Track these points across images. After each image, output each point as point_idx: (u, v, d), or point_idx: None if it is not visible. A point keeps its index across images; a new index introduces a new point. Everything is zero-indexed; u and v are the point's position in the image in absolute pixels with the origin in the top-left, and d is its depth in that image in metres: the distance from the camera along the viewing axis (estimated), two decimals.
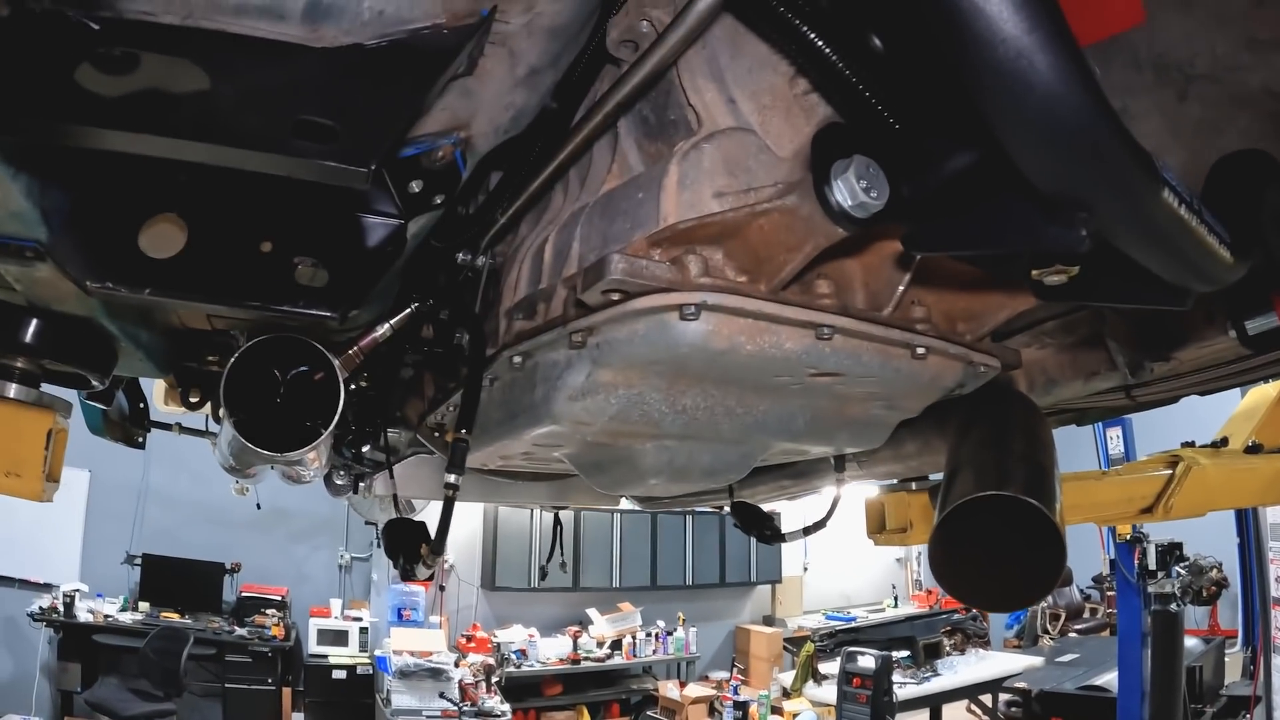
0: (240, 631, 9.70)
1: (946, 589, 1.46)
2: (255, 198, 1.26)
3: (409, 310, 1.63)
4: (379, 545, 10.95)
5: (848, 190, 0.96)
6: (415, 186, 1.24)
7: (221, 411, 1.38)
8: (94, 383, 1.76)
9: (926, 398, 1.54)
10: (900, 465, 2.32)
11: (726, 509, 3.03)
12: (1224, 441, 4.29)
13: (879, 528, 2.81)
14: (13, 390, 1.65)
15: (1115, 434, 8.26)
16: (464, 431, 1.44)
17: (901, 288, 1.29)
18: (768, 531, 2.57)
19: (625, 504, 12.45)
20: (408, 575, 1.77)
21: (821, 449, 1.75)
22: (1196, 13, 1.27)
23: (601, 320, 1.14)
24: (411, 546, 1.71)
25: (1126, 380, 2.06)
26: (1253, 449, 4.17)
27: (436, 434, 2.11)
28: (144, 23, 0.90)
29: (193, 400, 2.31)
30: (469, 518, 11.34)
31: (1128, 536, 7.24)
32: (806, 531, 2.50)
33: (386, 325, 1.60)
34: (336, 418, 1.43)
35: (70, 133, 0.92)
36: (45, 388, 1.77)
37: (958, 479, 1.49)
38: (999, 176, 0.88)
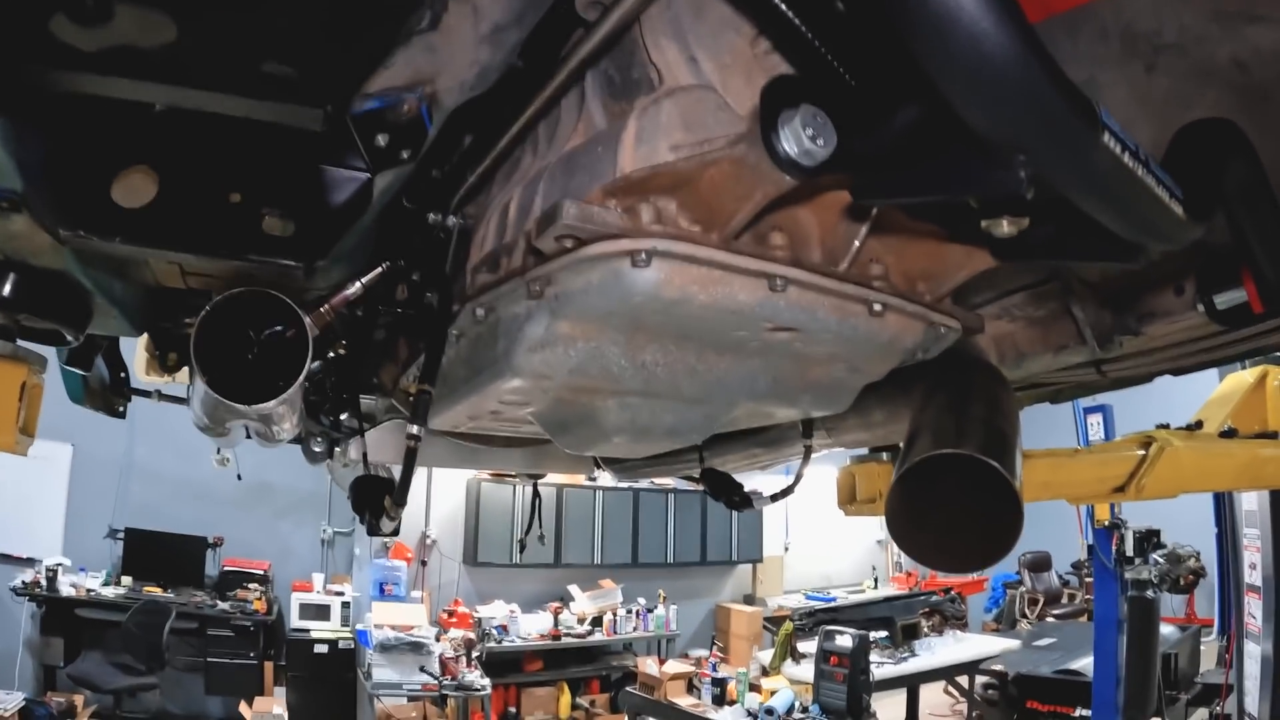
0: (223, 606, 9.69)
1: (904, 549, 1.49)
2: (225, 150, 1.28)
3: (380, 269, 1.66)
4: (362, 521, 10.96)
5: (794, 138, 0.98)
6: (381, 140, 1.26)
7: (192, 364, 1.40)
8: (69, 337, 1.78)
9: (888, 359, 1.57)
10: (868, 433, 2.35)
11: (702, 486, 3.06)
12: (1199, 425, 4.34)
13: (850, 498, 2.86)
14: None
15: (1096, 420, 8.29)
16: (427, 385, 1.46)
17: (858, 243, 1.31)
18: (736, 498, 2.62)
19: (606, 480, 12.44)
20: (373, 531, 1.79)
21: (786, 412, 1.78)
22: None
23: (556, 268, 1.17)
24: (376, 501, 1.73)
25: (1095, 354, 2.09)
26: (1227, 434, 4.22)
27: (410, 397, 2.14)
28: None
29: (170, 363, 2.32)
30: (451, 493, 11.39)
31: (1106, 522, 7.31)
32: (774, 498, 2.54)
33: (358, 284, 1.63)
34: (305, 370, 1.45)
35: (45, 76, 0.94)
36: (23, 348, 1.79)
37: (917, 441, 1.52)
38: (948, 130, 0.90)
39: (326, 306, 1.59)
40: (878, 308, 1.34)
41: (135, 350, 3.81)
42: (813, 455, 2.49)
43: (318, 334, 1.54)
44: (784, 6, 1.06)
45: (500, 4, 1.14)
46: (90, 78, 0.95)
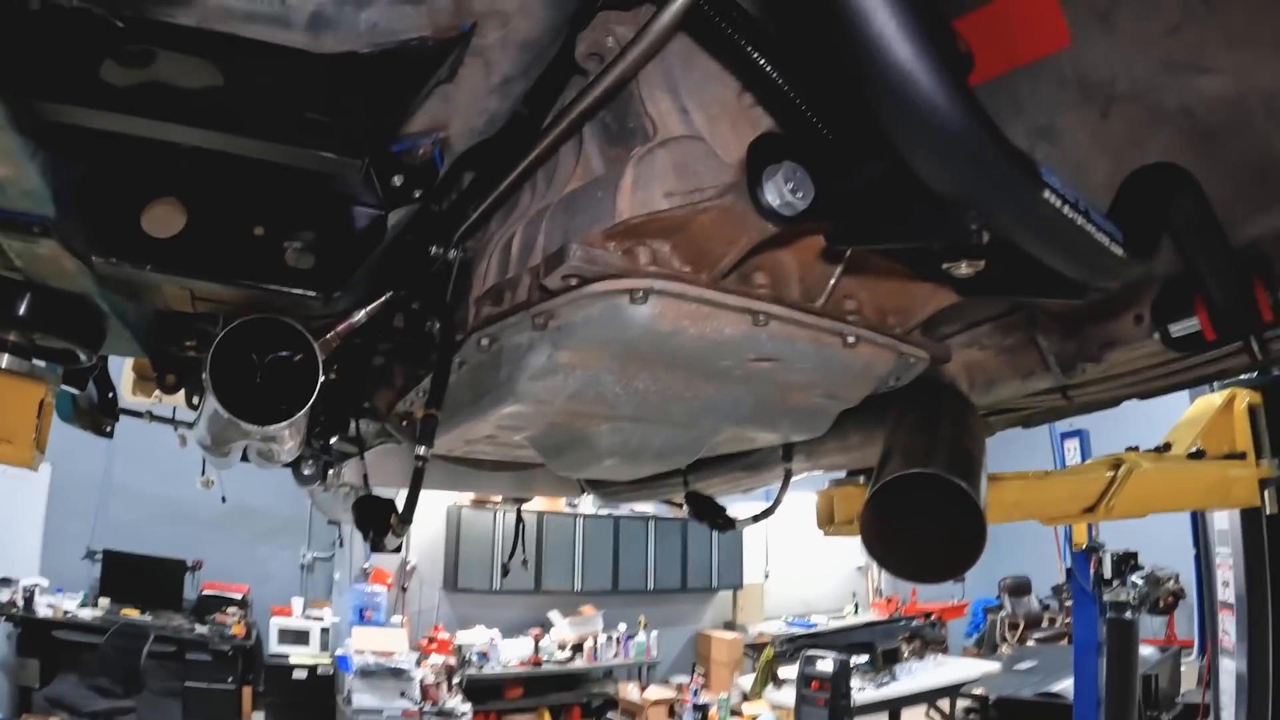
0: (201, 630, 9.64)
1: (878, 561, 1.60)
2: (250, 185, 1.37)
3: (384, 299, 1.75)
4: (341, 545, 10.98)
5: (776, 191, 1.10)
6: (397, 180, 1.36)
7: (205, 381, 1.49)
8: (82, 357, 1.85)
9: (862, 387, 1.67)
10: (845, 456, 2.45)
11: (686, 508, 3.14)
12: (1167, 447, 4.45)
13: (829, 520, 2.95)
14: (4, 361, 1.76)
15: (1073, 445, 8.43)
16: (434, 409, 1.56)
17: (833, 281, 1.43)
18: (719, 520, 2.71)
19: (587, 507, 12.35)
20: (377, 547, 1.86)
21: (767, 436, 1.88)
22: (1116, 36, 1.39)
23: (561, 303, 1.27)
24: (381, 519, 1.81)
25: (1060, 380, 2.19)
26: (1195, 455, 4.33)
27: (404, 423, 2.22)
28: (164, 23, 1.02)
29: (168, 384, 2.39)
30: (432, 519, 11.38)
31: (1084, 545, 7.39)
32: (755, 519, 2.63)
33: (362, 312, 1.72)
34: (315, 392, 1.53)
35: (97, 117, 1.04)
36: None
37: (889, 461, 1.63)
38: (911, 184, 1.02)
39: (333, 333, 1.68)
40: (851, 340, 1.45)
41: (123, 371, 3.88)
42: (792, 478, 2.59)
43: (324, 359, 1.63)
44: (767, 66, 1.17)
45: (510, 58, 1.25)
46: (143, 121, 1.04)
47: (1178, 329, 1.81)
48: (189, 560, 10.25)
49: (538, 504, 11.65)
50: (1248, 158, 1.53)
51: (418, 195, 1.40)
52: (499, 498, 11.09)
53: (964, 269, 1.11)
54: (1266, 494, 4.96)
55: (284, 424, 1.55)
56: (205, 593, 10.17)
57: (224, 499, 5.91)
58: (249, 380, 1.55)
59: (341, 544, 10.93)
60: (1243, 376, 5.95)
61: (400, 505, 1.79)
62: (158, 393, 4.24)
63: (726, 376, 1.51)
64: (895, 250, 1.34)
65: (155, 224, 1.34)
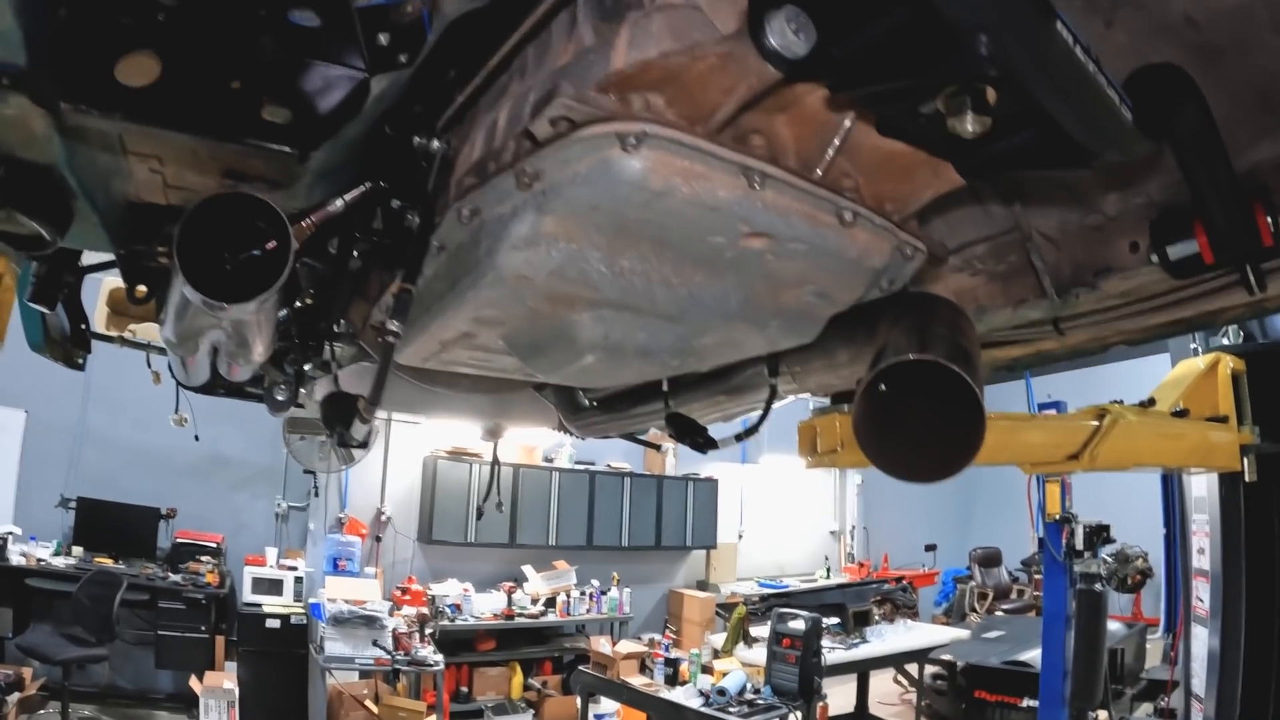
0: (174, 578, 9.57)
1: (872, 460, 1.55)
2: (229, 40, 1.32)
3: (362, 188, 1.69)
4: (316, 495, 10.94)
5: (779, 32, 1.07)
6: (383, 39, 1.31)
7: (173, 262, 1.42)
8: (46, 237, 1.78)
9: (855, 283, 1.63)
10: (833, 375, 2.41)
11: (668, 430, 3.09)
12: (1152, 403, 4.47)
13: (811, 449, 2.92)
14: None
15: (1053, 414, 8.53)
16: (409, 284, 1.51)
17: (830, 153, 1.38)
18: (700, 439, 2.67)
19: (563, 462, 12.33)
20: (345, 441, 1.81)
21: (754, 340, 1.84)
22: None
23: (548, 155, 1.22)
24: (348, 410, 1.76)
25: (1054, 308, 2.16)
26: (1179, 414, 4.36)
27: (380, 338, 2.17)
28: None
29: (139, 296, 2.33)
30: (407, 470, 11.40)
31: (1057, 515, 7.47)
32: (738, 438, 2.60)
33: (340, 200, 1.66)
34: (287, 271, 1.47)
35: None
36: None
37: (882, 357, 1.59)
38: (917, 34, 0.98)
39: (309, 220, 1.62)
40: (848, 216, 1.41)
41: (96, 306, 3.81)
42: (775, 404, 2.55)
43: (298, 247, 1.57)
44: None
45: None
46: None
47: (1175, 251, 1.78)
48: (163, 509, 10.16)
49: (514, 457, 11.65)
50: (1254, 78, 1.51)
51: (404, 60, 1.35)
52: (475, 449, 11.09)
53: (970, 125, 1.07)
54: (1247, 460, 5.01)
55: (252, 304, 1.49)
56: (179, 541, 10.10)
57: (196, 437, 5.85)
58: (220, 268, 1.49)
59: (317, 494, 10.90)
60: (1225, 341, 5.98)
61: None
62: (131, 328, 4.18)
63: (716, 261, 1.47)
64: (898, 123, 1.29)
65: (129, 73, 1.28)
